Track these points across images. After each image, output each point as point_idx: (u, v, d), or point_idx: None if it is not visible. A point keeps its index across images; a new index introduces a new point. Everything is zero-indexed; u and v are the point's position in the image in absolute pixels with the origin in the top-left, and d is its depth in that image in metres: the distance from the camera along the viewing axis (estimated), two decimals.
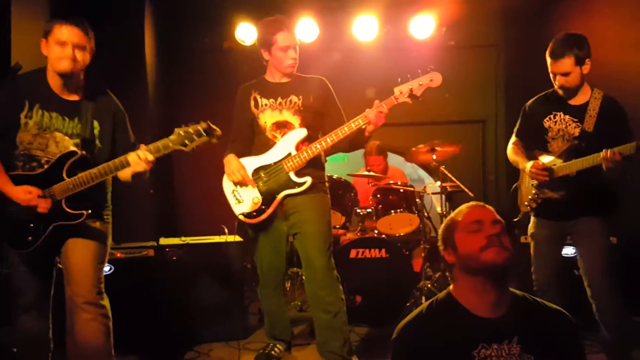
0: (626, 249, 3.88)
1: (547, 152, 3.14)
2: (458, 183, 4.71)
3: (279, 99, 3.29)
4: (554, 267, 3.17)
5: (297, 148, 3.23)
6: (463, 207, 1.88)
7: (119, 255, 3.83)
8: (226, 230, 3.93)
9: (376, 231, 4.66)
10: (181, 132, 2.54)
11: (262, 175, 3.27)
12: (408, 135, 6.01)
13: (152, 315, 3.79)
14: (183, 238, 4.14)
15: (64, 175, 2.63)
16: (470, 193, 4.60)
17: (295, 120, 3.28)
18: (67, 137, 2.70)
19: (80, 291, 2.71)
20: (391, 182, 4.82)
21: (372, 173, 4.99)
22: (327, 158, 4.79)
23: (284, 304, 3.65)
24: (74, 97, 2.74)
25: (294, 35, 3.26)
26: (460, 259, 1.79)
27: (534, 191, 3.14)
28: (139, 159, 2.56)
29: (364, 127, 3.12)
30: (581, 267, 3.07)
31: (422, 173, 6.67)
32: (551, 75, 3.03)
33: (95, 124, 2.75)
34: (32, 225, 2.62)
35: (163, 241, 4.09)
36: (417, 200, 4.69)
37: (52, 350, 2.89)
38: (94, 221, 2.78)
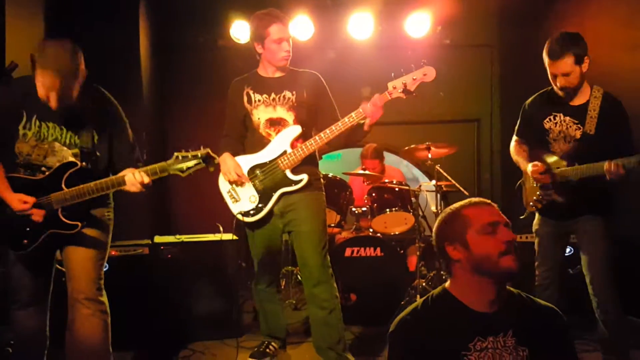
0: (621, 249, 3.90)
1: (549, 152, 3.13)
2: (453, 182, 4.72)
3: (273, 95, 3.28)
4: (556, 263, 3.20)
5: (292, 145, 3.22)
6: (467, 202, 1.86)
7: (113, 253, 3.81)
8: (221, 229, 3.93)
9: (371, 230, 4.67)
10: (180, 157, 2.59)
11: (258, 173, 3.26)
12: (403, 134, 6.03)
13: (146, 313, 3.78)
14: (178, 236, 4.12)
15: (63, 185, 2.63)
16: (465, 192, 4.61)
17: (289, 116, 3.27)
18: (65, 148, 2.69)
19: (81, 287, 2.73)
20: (386, 180, 4.82)
21: (367, 172, 4.99)
22: (323, 156, 4.83)
23: (279, 302, 3.65)
24: (71, 107, 2.67)
25: (287, 28, 3.24)
26: (472, 259, 1.78)
27: (538, 192, 3.14)
28: (135, 180, 2.58)
29: (361, 122, 3.12)
30: (583, 264, 3.09)
31: (417, 172, 6.69)
32: (550, 77, 3.00)
33: (94, 132, 2.73)
34: (28, 229, 2.63)
35: (158, 239, 4.08)
36: (412, 199, 4.69)
37: (48, 346, 2.89)
38: (94, 213, 2.78)
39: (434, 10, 5.71)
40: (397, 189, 4.69)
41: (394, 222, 4.66)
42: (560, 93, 3.02)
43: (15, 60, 2.70)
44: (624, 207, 3.24)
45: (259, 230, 3.37)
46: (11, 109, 2.65)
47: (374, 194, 4.72)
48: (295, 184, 3.22)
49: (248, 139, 3.37)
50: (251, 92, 3.33)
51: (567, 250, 3.96)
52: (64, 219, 2.64)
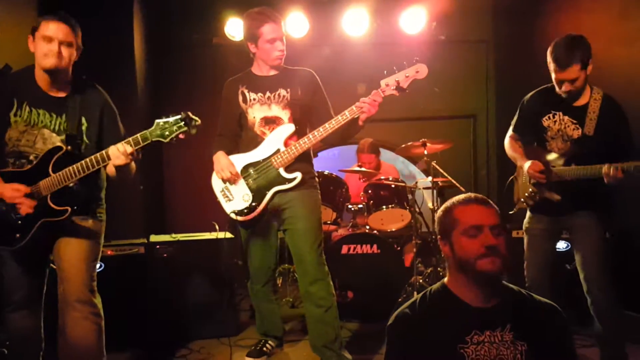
0: (618, 244, 3.90)
1: (546, 150, 3.12)
2: (449, 178, 4.71)
3: (268, 93, 3.27)
4: (548, 261, 3.17)
5: (286, 144, 3.21)
6: (463, 199, 1.86)
7: (109, 252, 3.80)
8: (217, 227, 3.91)
9: (368, 227, 4.66)
10: (160, 123, 2.54)
11: (252, 172, 3.25)
12: (399, 131, 6.02)
13: (143, 312, 3.78)
14: (173, 235, 4.11)
15: (50, 170, 2.61)
16: (461, 188, 4.61)
17: (284, 114, 3.25)
18: (54, 134, 2.68)
19: (72, 289, 2.70)
20: (382, 177, 4.81)
21: (363, 169, 4.97)
22: (319, 153, 4.82)
23: (275, 300, 3.64)
24: (62, 94, 2.72)
25: (280, 27, 3.22)
26: (455, 259, 1.82)
27: (530, 189, 3.13)
28: (118, 152, 2.54)
29: (355, 117, 3.10)
30: (577, 261, 3.08)
31: (413, 168, 6.68)
32: (555, 82, 2.97)
33: (83, 120, 2.73)
34: (20, 222, 2.60)
35: (153, 238, 4.07)
36: (409, 195, 4.68)
37: (44, 349, 2.88)
38: (85, 219, 2.76)
39: (429, 6, 5.70)
40: (393, 186, 4.68)
41: (391, 219, 4.65)
42: (563, 95, 3.00)
43: (8, 58, 2.71)
44: (621, 201, 3.24)
45: (254, 229, 3.36)
46: (2, 99, 2.67)
47: (370, 191, 4.71)
48: (288, 182, 3.20)
49: (242, 137, 3.36)
50: (246, 91, 3.31)
51: (564, 245, 3.97)
52: (53, 206, 2.61)
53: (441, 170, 4.72)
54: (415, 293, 4.20)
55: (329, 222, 4.63)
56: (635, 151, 2.88)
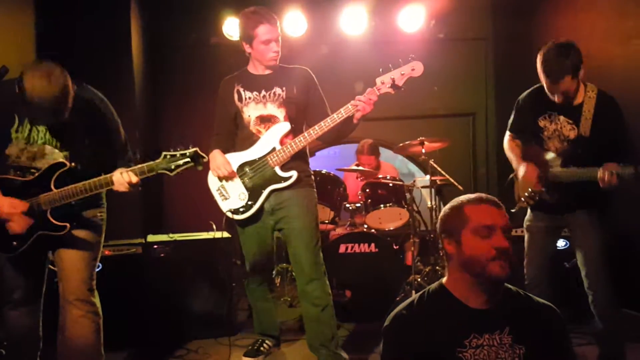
0: (617, 242, 3.89)
1: (543, 149, 3.11)
2: (447, 177, 4.70)
3: (263, 92, 3.26)
4: (548, 259, 3.17)
5: (281, 142, 3.20)
6: (474, 198, 1.80)
7: (107, 252, 3.80)
8: (214, 227, 3.90)
9: (365, 226, 4.65)
10: (168, 156, 2.57)
11: (248, 170, 3.24)
12: (397, 129, 6.01)
13: (140, 312, 3.77)
14: (171, 235, 4.11)
15: (52, 186, 2.61)
16: (459, 187, 4.60)
17: (279, 112, 3.24)
18: (56, 150, 2.68)
19: (71, 288, 2.71)
20: (380, 176, 4.80)
21: (361, 167, 4.97)
22: (318, 152, 4.82)
23: (272, 300, 3.64)
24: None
25: (275, 27, 3.19)
26: (462, 258, 1.75)
27: (530, 189, 3.12)
28: (122, 180, 2.56)
29: (350, 115, 3.09)
30: (578, 259, 3.07)
31: (412, 167, 6.68)
32: (547, 91, 2.95)
33: (85, 134, 2.71)
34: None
35: (151, 238, 4.06)
36: (407, 194, 4.68)
37: (42, 348, 2.88)
38: (86, 213, 2.77)
39: (427, 4, 5.69)
40: (391, 185, 4.67)
41: (389, 218, 4.64)
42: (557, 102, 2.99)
43: (5, 59, 2.67)
44: (621, 199, 3.22)
45: (250, 228, 3.35)
46: (3, 112, 2.64)
47: (367, 190, 4.70)
48: (284, 181, 3.20)
49: (238, 136, 3.35)
50: (241, 90, 3.30)
51: (563, 243, 3.96)
52: (52, 220, 2.62)
53: (439, 169, 4.71)
54: (413, 292, 4.20)
55: (326, 221, 4.62)
56: (632, 147, 2.87)
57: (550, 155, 3.07)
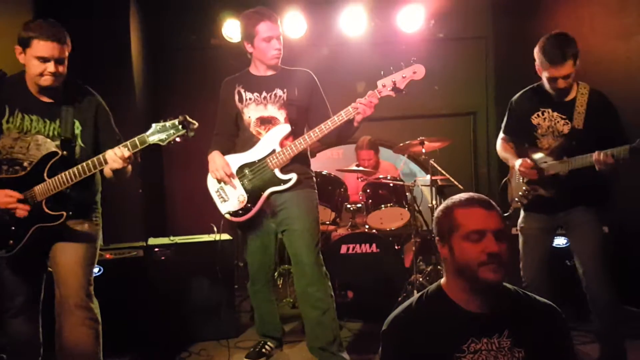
0: (617, 238, 3.88)
1: (537, 148, 3.12)
2: (448, 176, 4.69)
3: (264, 93, 3.25)
4: (544, 260, 3.16)
5: (281, 144, 3.19)
6: (464, 200, 1.77)
7: (108, 256, 3.80)
8: (215, 229, 3.90)
9: (367, 226, 4.64)
10: (158, 127, 2.55)
11: (247, 172, 3.23)
12: (398, 129, 6.01)
13: (142, 315, 3.77)
14: (172, 237, 4.11)
15: (45, 176, 2.61)
16: (459, 186, 4.59)
17: (280, 114, 3.24)
18: (48, 139, 2.68)
19: (69, 294, 2.69)
20: (380, 176, 4.79)
21: (361, 168, 4.96)
22: (319, 154, 4.81)
23: (274, 301, 3.63)
24: (54, 99, 2.71)
25: (277, 26, 3.20)
26: (455, 263, 1.74)
27: (524, 187, 3.12)
28: (115, 156, 2.54)
29: (351, 118, 3.08)
30: (575, 257, 3.07)
31: (414, 167, 6.66)
32: (548, 81, 2.96)
33: (77, 124, 2.72)
34: (13, 228, 2.60)
35: (152, 241, 4.06)
36: (407, 194, 4.67)
37: (42, 354, 2.87)
38: (80, 223, 2.76)
39: (427, 4, 5.68)
40: (391, 185, 4.66)
41: (390, 218, 4.62)
42: (552, 92, 2.99)
43: (2, 59, 2.69)
44: (618, 196, 3.22)
45: (252, 231, 3.35)
46: None
47: (368, 190, 4.69)
48: (284, 184, 3.19)
49: (239, 137, 3.35)
50: (242, 91, 3.30)
51: (564, 241, 3.95)
52: (48, 211, 2.61)
53: (439, 168, 4.70)
54: (415, 292, 4.18)
55: (327, 222, 4.62)
56: (627, 140, 2.87)
57: (544, 153, 3.07)
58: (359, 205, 4.76)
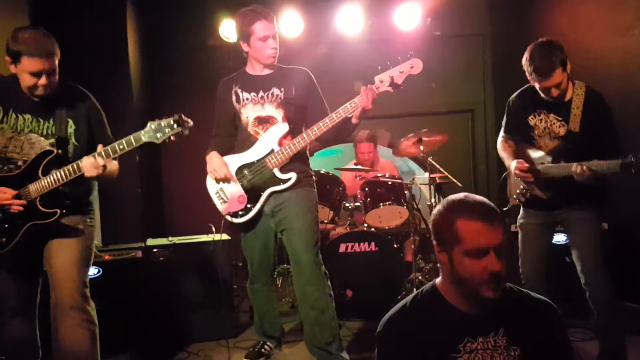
0: (615, 234, 3.88)
1: (535, 147, 3.11)
2: (446, 174, 4.69)
3: (261, 92, 3.25)
4: (543, 256, 3.16)
5: (280, 144, 3.18)
6: (467, 210, 1.67)
7: (106, 257, 3.79)
8: (214, 229, 3.90)
9: (365, 225, 4.64)
10: (153, 125, 2.56)
11: (246, 173, 3.22)
12: (396, 127, 6.00)
13: (141, 316, 3.77)
14: (170, 238, 4.10)
15: (39, 174, 2.62)
16: (458, 184, 4.58)
17: (278, 113, 3.22)
18: (42, 138, 2.69)
19: (64, 295, 2.69)
20: (379, 174, 4.79)
21: (359, 166, 4.95)
22: (316, 154, 4.80)
23: (274, 301, 3.62)
24: (47, 99, 2.71)
25: (273, 25, 3.19)
26: (454, 275, 1.70)
27: (522, 186, 3.12)
28: (90, 165, 2.56)
29: (349, 116, 3.07)
30: (573, 254, 3.06)
31: (412, 165, 6.66)
32: (541, 90, 2.95)
33: (70, 122, 2.74)
34: (6, 225, 2.60)
35: (150, 242, 4.06)
36: (406, 192, 4.66)
37: (41, 356, 2.86)
38: (75, 222, 2.76)
39: (423, 1, 5.67)
40: (390, 183, 4.65)
41: (389, 216, 4.62)
42: (551, 99, 2.98)
43: None
44: (617, 192, 3.21)
45: (251, 231, 3.34)
46: None
47: (367, 189, 4.68)
48: (283, 183, 3.18)
49: (237, 137, 3.34)
50: (239, 91, 3.29)
51: (564, 238, 3.94)
52: (42, 208, 2.61)
53: (438, 166, 4.69)
54: (414, 290, 4.17)
55: (326, 220, 4.61)
56: (619, 142, 2.86)
57: (541, 154, 3.07)
58: (358, 203, 4.75)
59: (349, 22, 5.74)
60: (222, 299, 3.95)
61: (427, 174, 4.62)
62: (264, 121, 3.24)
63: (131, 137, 2.58)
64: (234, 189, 3.24)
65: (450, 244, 1.68)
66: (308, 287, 3.23)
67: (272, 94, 3.24)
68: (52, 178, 2.60)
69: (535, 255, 3.15)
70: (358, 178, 4.93)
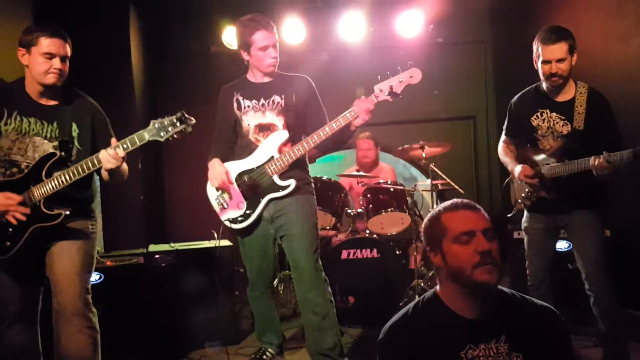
0: (619, 241, 3.87)
1: (538, 149, 3.11)
2: (448, 180, 4.69)
3: (262, 100, 3.26)
4: (548, 260, 3.15)
5: (280, 151, 3.19)
6: (449, 205, 1.76)
7: (108, 263, 3.79)
8: (216, 235, 3.90)
9: (367, 231, 4.63)
10: (156, 124, 2.60)
11: (246, 179, 3.23)
12: (398, 134, 6.01)
13: (143, 322, 3.77)
14: (172, 244, 4.10)
15: (43, 176, 2.63)
16: (460, 190, 4.58)
17: (278, 121, 3.23)
18: (46, 141, 2.71)
19: (66, 302, 2.69)
20: (381, 181, 4.79)
21: (361, 173, 4.95)
22: (318, 160, 4.80)
23: (274, 307, 3.61)
24: (52, 102, 2.75)
25: (272, 34, 3.20)
26: (448, 269, 1.71)
27: (527, 189, 3.11)
28: (109, 156, 2.57)
29: (349, 122, 3.08)
30: (577, 261, 3.06)
31: (414, 171, 6.66)
32: (542, 68, 2.96)
33: (74, 126, 2.76)
34: (10, 229, 2.60)
35: (152, 248, 4.06)
36: (408, 199, 4.66)
37: None
38: (77, 226, 2.76)
39: (425, 8, 5.69)
40: (392, 189, 4.65)
41: (390, 223, 4.62)
42: (547, 85, 3.00)
43: (1, 67, 2.71)
44: (620, 198, 3.21)
45: (251, 237, 3.34)
46: None
47: (368, 195, 4.68)
48: (282, 190, 3.18)
49: (238, 144, 3.35)
50: (240, 98, 3.30)
51: (566, 245, 3.94)
52: (46, 211, 2.62)
53: (440, 173, 4.69)
54: (416, 296, 4.17)
55: (328, 227, 4.61)
56: (622, 141, 2.86)
57: (545, 155, 3.06)
58: (359, 210, 4.75)
59: (351, 29, 5.77)
60: (224, 306, 3.94)
61: (429, 181, 4.62)
62: (265, 128, 3.25)
63: (134, 136, 2.60)
64: (234, 195, 3.25)
65: (439, 239, 1.72)
66: (309, 293, 3.22)
67: (273, 101, 3.25)
68: (58, 180, 2.60)
69: (542, 256, 3.15)
70: (360, 184, 4.94)
